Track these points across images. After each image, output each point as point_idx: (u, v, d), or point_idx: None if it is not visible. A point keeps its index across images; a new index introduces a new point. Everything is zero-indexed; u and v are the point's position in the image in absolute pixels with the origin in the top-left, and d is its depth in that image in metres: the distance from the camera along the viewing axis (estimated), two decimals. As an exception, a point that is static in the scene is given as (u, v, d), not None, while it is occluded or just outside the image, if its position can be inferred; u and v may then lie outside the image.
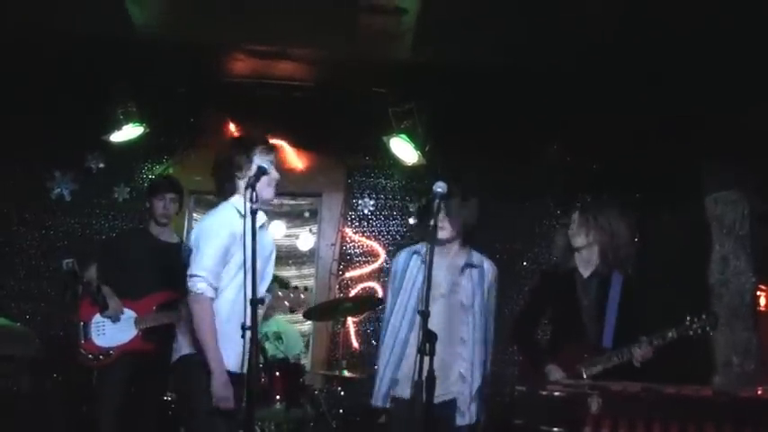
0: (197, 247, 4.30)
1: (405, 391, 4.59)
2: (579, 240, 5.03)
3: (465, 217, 4.79)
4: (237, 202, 4.34)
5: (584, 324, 4.96)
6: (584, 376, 4.78)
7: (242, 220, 4.16)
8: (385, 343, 4.82)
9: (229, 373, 4.17)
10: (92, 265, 5.77)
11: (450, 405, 4.66)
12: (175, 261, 5.78)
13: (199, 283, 4.19)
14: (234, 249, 4.21)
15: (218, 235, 4.26)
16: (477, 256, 4.90)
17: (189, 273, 4.24)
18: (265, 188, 4.30)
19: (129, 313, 5.72)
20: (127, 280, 5.81)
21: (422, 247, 4.89)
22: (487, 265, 4.88)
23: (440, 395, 4.53)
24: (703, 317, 4.57)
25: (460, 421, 4.66)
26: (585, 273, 5.04)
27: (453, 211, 4.72)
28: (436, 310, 4.61)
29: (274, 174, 4.39)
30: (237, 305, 4.07)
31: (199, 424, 4.21)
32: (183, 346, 4.32)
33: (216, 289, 4.23)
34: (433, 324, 4.55)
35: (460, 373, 4.68)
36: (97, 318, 5.68)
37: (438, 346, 4.37)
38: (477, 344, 4.73)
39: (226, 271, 4.27)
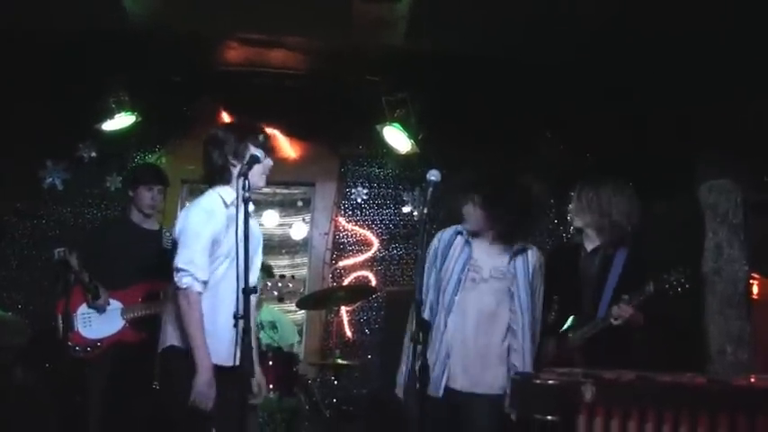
0: (181, 240, 4.22)
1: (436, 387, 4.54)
2: (577, 221, 5.10)
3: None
4: (222, 190, 4.31)
5: (582, 297, 5.01)
6: (572, 344, 4.90)
7: (227, 210, 4.15)
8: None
9: (219, 366, 4.14)
10: (71, 254, 5.67)
11: (500, 399, 4.56)
12: (158, 249, 5.80)
13: (184, 278, 4.11)
14: (220, 239, 4.17)
15: (202, 227, 4.19)
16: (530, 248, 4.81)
17: (174, 266, 4.16)
18: (258, 176, 4.22)
19: (115, 304, 5.67)
20: (110, 270, 5.73)
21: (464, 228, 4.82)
22: (531, 252, 4.78)
23: (485, 387, 4.56)
24: (681, 269, 4.56)
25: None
26: (589, 247, 5.09)
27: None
28: (475, 296, 4.64)
29: (268, 161, 4.34)
30: (225, 295, 4.06)
31: (183, 417, 4.17)
32: (168, 337, 4.24)
33: (204, 282, 4.16)
34: (471, 311, 4.60)
35: (512, 366, 4.59)
36: (83, 309, 5.63)
37: (477, 336, 4.48)
38: (526, 332, 4.65)
39: (212, 261, 4.21)
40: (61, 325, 5.53)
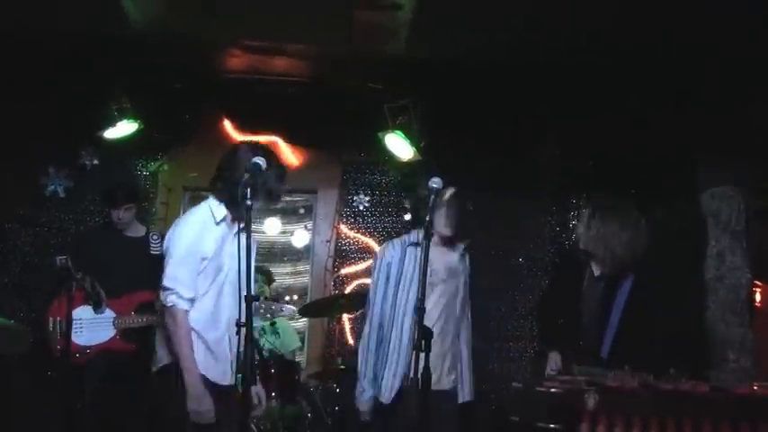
0: (167, 257, 4.26)
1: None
2: (583, 246, 5.11)
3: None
4: (213, 205, 4.33)
5: (584, 323, 5.04)
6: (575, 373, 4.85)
7: (216, 227, 4.18)
8: (389, 339, 4.81)
9: (216, 385, 4.18)
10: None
11: (450, 393, 4.81)
12: (145, 255, 5.83)
13: (169, 296, 4.16)
14: (208, 256, 4.18)
15: (188, 244, 4.22)
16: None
17: (161, 285, 4.21)
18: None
19: (107, 312, 5.67)
20: (101, 278, 5.75)
21: (412, 238, 4.92)
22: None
23: (448, 383, 4.82)
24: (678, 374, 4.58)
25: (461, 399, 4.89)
26: (596, 272, 5.11)
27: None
28: (435, 297, 4.77)
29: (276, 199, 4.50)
30: (216, 314, 4.08)
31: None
32: (162, 357, 4.28)
33: (191, 299, 4.19)
34: (433, 312, 4.66)
35: (461, 359, 4.87)
36: (74, 314, 5.63)
37: (438, 335, 4.51)
38: (468, 326, 4.99)
39: (203, 277, 4.24)
40: (59, 330, 5.56)
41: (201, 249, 4.21)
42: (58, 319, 5.67)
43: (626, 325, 4.88)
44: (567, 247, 7.40)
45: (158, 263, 5.80)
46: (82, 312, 5.65)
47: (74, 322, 5.58)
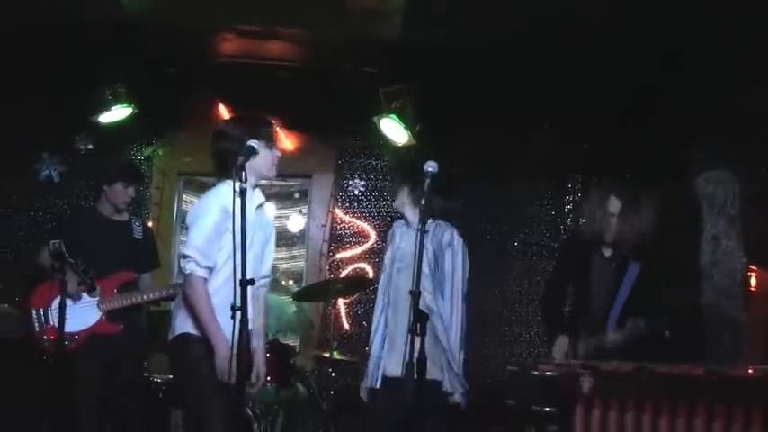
0: (189, 228, 4.33)
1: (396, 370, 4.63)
2: (608, 236, 5.23)
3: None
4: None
5: (593, 300, 5.20)
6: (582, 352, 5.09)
7: (237, 199, 4.15)
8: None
9: None
10: (44, 247, 5.50)
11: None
12: (128, 239, 5.84)
13: (188, 264, 4.21)
14: (228, 226, 4.17)
15: (208, 213, 4.26)
16: (433, 224, 4.91)
17: (181, 253, 4.25)
18: (268, 167, 4.41)
19: (89, 296, 5.66)
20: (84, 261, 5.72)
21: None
22: (435, 227, 4.92)
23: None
24: (658, 320, 4.85)
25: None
26: (606, 253, 5.29)
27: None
28: (402, 281, 4.81)
29: (275, 152, 4.47)
30: (230, 285, 4.08)
31: (199, 401, 4.21)
32: (179, 325, 4.30)
33: (210, 268, 4.23)
34: (401, 295, 4.74)
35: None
36: (57, 302, 5.60)
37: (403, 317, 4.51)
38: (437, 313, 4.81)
39: (221, 250, 4.25)
40: (44, 321, 5.59)
41: (220, 218, 4.23)
42: (41, 309, 5.65)
43: (632, 304, 5.04)
44: (570, 234, 7.43)
45: (140, 247, 5.86)
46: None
47: (56, 310, 5.57)
